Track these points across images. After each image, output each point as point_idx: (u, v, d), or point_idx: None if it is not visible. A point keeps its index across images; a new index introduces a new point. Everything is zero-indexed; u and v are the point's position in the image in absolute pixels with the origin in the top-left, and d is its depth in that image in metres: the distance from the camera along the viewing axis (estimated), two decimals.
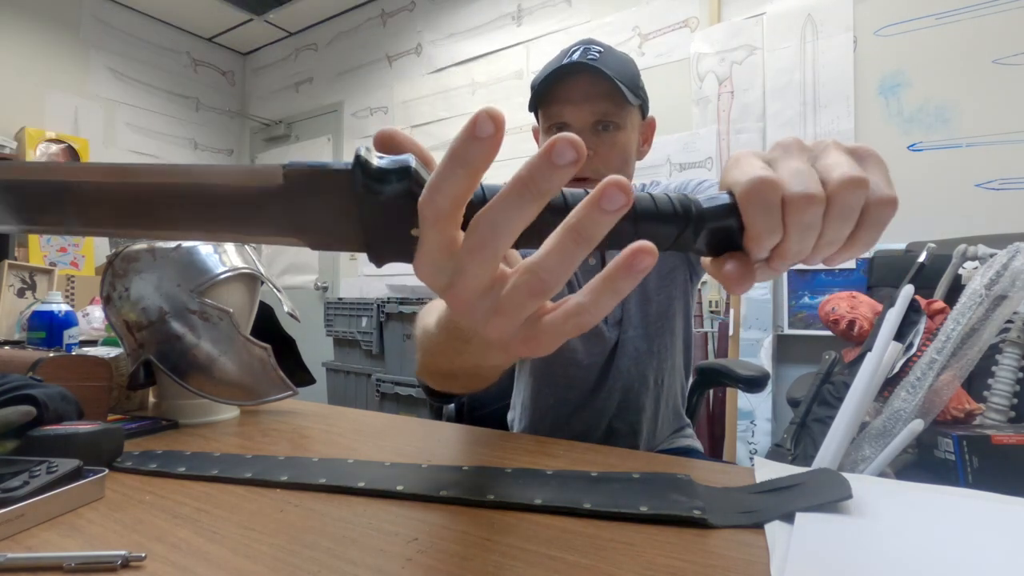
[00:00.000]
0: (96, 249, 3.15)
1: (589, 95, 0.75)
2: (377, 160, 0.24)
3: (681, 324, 0.89)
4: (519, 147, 2.82)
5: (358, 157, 0.23)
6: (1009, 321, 1.13)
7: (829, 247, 0.25)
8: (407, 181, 0.23)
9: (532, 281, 0.22)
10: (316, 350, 3.10)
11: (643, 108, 0.82)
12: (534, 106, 0.81)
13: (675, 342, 0.89)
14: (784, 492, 0.41)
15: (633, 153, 0.81)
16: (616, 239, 0.26)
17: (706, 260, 0.28)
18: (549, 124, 0.79)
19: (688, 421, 1.00)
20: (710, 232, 0.26)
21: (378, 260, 0.25)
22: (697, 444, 0.97)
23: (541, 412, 0.90)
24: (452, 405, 1.17)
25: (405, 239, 0.24)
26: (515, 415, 0.97)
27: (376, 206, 0.24)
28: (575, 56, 0.75)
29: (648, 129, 0.85)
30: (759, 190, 0.24)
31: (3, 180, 0.24)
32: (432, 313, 0.48)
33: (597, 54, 0.75)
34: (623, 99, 0.74)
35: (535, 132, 0.87)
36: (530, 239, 0.24)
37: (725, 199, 0.26)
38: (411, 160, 0.24)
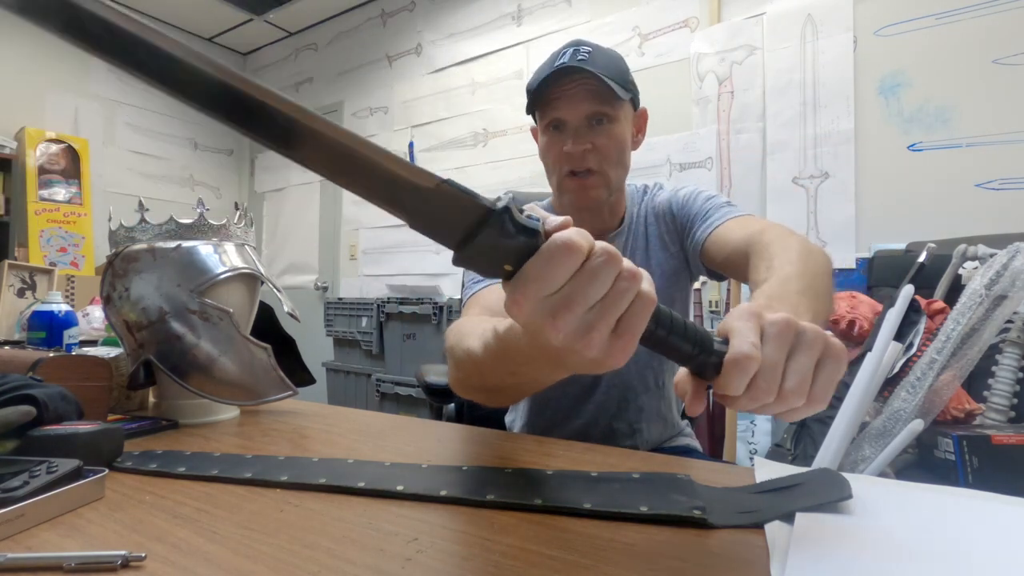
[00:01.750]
0: (96, 249, 3.16)
1: (581, 94, 0.79)
2: (521, 216, 0.29)
3: None
4: (519, 147, 2.82)
5: (508, 208, 0.28)
6: (1009, 321, 1.13)
7: (764, 412, 0.34)
8: (536, 239, 0.29)
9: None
10: (316, 350, 3.10)
11: (634, 101, 0.84)
12: (531, 109, 0.86)
13: None
14: (784, 492, 0.41)
15: (628, 143, 0.84)
16: (651, 339, 0.33)
17: (683, 376, 0.35)
18: (546, 122, 0.83)
19: (688, 421, 1.01)
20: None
21: (460, 264, 0.30)
22: (697, 444, 0.98)
23: (540, 411, 0.90)
24: (452, 405, 1.17)
25: (496, 268, 0.30)
26: (514, 416, 0.97)
27: (499, 243, 0.29)
28: (565, 58, 0.79)
29: (641, 120, 0.88)
30: (743, 366, 0.32)
31: (252, 96, 0.26)
32: (472, 337, 0.50)
33: (586, 55, 0.78)
34: (613, 95, 0.78)
35: (533, 132, 0.89)
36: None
37: (725, 348, 0.33)
38: (540, 226, 0.29)
